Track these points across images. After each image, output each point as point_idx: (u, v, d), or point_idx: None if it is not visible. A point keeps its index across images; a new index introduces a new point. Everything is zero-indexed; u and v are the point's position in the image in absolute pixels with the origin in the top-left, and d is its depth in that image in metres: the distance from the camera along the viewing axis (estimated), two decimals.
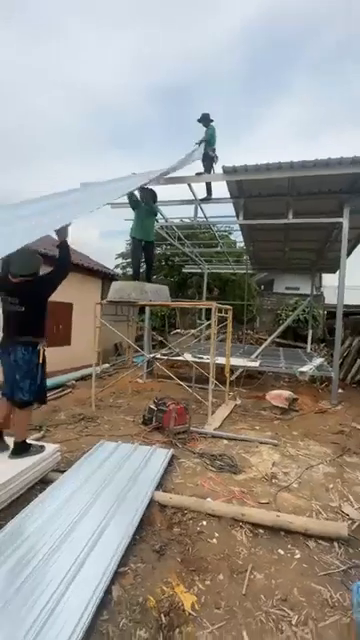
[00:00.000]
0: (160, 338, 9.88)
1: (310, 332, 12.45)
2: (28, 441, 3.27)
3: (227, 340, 6.48)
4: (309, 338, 12.35)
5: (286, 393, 6.05)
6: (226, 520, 2.64)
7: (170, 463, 3.59)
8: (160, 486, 3.11)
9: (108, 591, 1.90)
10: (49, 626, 1.59)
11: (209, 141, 7.19)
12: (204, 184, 7.51)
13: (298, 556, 2.33)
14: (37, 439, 3.98)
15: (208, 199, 7.72)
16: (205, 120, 7.18)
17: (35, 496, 2.78)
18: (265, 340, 11.21)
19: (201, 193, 7.69)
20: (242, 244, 11.52)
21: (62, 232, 3.11)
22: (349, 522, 2.70)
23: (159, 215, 8.03)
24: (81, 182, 6.36)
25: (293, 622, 1.82)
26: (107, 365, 8.98)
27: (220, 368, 6.30)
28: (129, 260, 18.92)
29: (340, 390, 7.08)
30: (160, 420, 4.59)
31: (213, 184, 7.46)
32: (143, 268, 6.65)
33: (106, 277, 10.50)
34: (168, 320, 15.80)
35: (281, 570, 2.19)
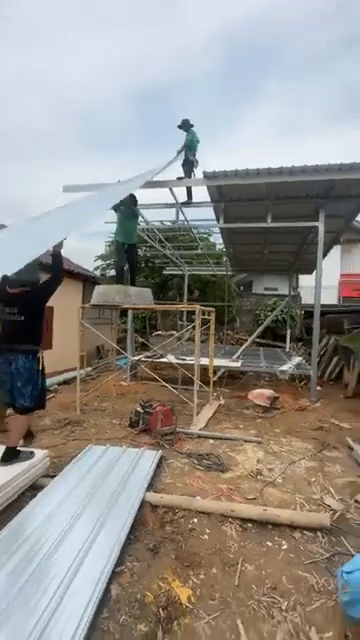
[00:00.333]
0: (141, 340, 9.93)
1: (288, 332, 12.80)
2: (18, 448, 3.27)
3: (210, 341, 6.61)
4: (287, 337, 12.69)
5: (268, 392, 6.24)
6: (216, 516, 2.75)
7: (159, 464, 3.67)
8: (150, 487, 3.18)
9: (107, 590, 1.96)
10: (52, 625, 1.64)
11: (189, 146, 7.32)
12: (185, 188, 7.64)
13: (285, 547, 2.46)
14: (22, 446, 3.96)
15: (189, 203, 7.84)
16: (185, 126, 7.30)
17: (26, 503, 2.80)
18: (245, 340, 11.43)
19: (182, 197, 7.82)
20: (222, 246, 11.73)
21: (58, 244, 3.22)
22: (331, 513, 2.86)
23: (140, 218, 8.08)
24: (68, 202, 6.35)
25: (283, 608, 1.94)
26: (90, 368, 8.93)
27: (203, 369, 6.42)
28: (109, 262, 18.85)
29: (318, 387, 7.36)
30: (147, 422, 4.65)
31: (194, 188, 7.59)
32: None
33: (87, 280, 10.44)
34: (149, 322, 15.81)
35: (270, 561, 2.32)
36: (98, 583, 1.91)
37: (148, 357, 7.84)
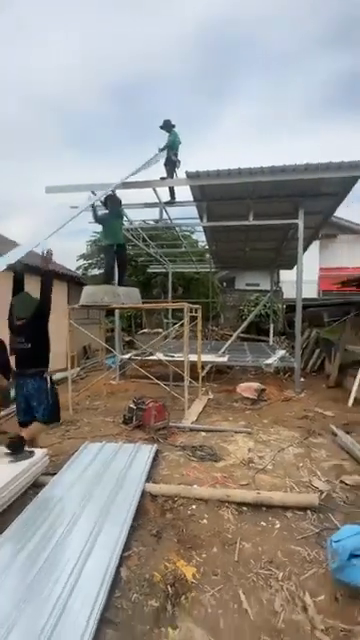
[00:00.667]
0: (128, 338, 10.02)
1: (271, 326, 13.14)
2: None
3: (198, 338, 6.78)
4: (271, 332, 13.02)
5: (255, 385, 6.47)
6: (213, 502, 2.92)
7: (155, 457, 3.81)
8: (149, 479, 3.33)
9: (117, 573, 2.10)
10: (72, 600, 1.78)
11: (171, 146, 7.43)
12: (167, 187, 7.75)
13: (278, 525, 2.66)
14: None
15: (172, 202, 7.96)
16: (167, 126, 7.40)
17: (29, 500, 2.90)
18: (230, 336, 11.68)
19: (165, 196, 7.93)
20: (204, 243, 11.91)
21: (46, 260, 3.56)
22: (319, 493, 3.08)
23: (124, 218, 8.15)
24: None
25: (279, 578, 2.13)
26: (78, 369, 8.97)
27: (192, 365, 6.60)
28: (91, 261, 18.76)
29: (302, 379, 7.65)
30: (140, 418, 4.79)
31: (177, 188, 7.72)
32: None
33: (72, 280, 10.44)
34: (134, 320, 15.88)
35: (265, 538, 2.51)
36: (109, 565, 2.05)
37: (137, 355, 7.95)
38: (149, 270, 15.00)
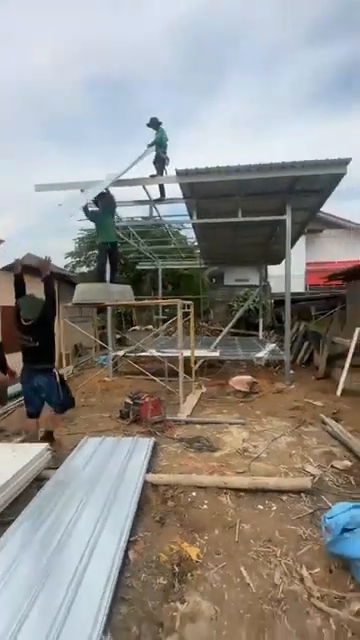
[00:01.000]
0: (118, 336, 10.09)
1: (261, 320, 13.37)
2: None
3: (191, 333, 6.91)
4: (260, 326, 13.25)
5: (247, 378, 6.65)
6: (212, 489, 3.06)
7: (153, 449, 3.93)
8: (149, 470, 3.45)
9: (125, 557, 2.23)
10: (86, 578, 1.92)
11: (159, 143, 7.50)
12: (157, 185, 7.83)
13: (274, 508, 2.82)
14: (21, 441, 4.11)
15: (162, 200, 8.04)
16: (154, 124, 7.47)
17: (35, 492, 2.98)
18: (220, 331, 11.86)
19: (154, 193, 8.00)
20: (193, 239, 12.02)
21: (44, 266, 3.82)
22: (311, 477, 3.25)
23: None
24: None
25: (278, 555, 2.29)
26: (71, 366, 9.01)
27: (185, 360, 6.72)
28: (79, 259, 18.68)
29: (292, 371, 7.86)
30: (137, 413, 4.89)
31: (167, 185, 7.80)
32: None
33: (62, 279, 10.43)
34: (125, 317, 15.93)
35: (263, 520, 2.66)
36: (118, 546, 2.19)
37: (131, 352, 8.04)
38: (138, 267, 15.04)
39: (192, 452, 3.95)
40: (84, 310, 10.46)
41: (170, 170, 7.40)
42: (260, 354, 8.03)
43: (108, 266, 6.44)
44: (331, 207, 15.32)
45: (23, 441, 4.18)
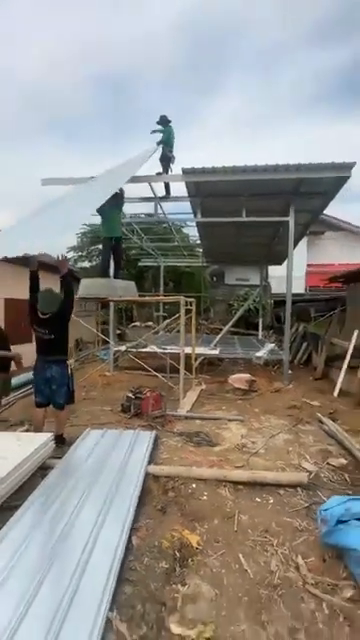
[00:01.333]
0: (119, 331, 10.18)
1: (260, 320, 13.46)
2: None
3: (192, 331, 7.00)
4: (260, 326, 13.35)
5: (246, 376, 6.75)
6: (211, 482, 3.16)
7: (154, 442, 4.03)
8: (150, 462, 3.54)
9: (129, 542, 2.32)
10: (93, 559, 2.02)
11: (166, 142, 7.56)
12: (162, 183, 7.89)
13: (272, 501, 2.92)
14: (24, 430, 4.21)
15: (167, 197, 8.11)
16: (163, 122, 7.52)
17: (39, 480, 3.08)
18: (220, 330, 11.95)
19: (160, 191, 8.07)
20: (195, 237, 12.09)
21: (62, 264, 3.95)
22: (307, 473, 3.36)
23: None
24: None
25: (274, 544, 2.39)
26: (73, 360, 9.08)
27: (185, 357, 6.81)
28: (81, 254, 18.70)
29: (290, 371, 7.96)
30: (138, 407, 4.99)
31: (172, 183, 7.86)
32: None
33: (72, 275, 10.48)
34: (125, 313, 16.00)
35: (260, 512, 2.76)
36: (123, 530, 2.29)
37: (132, 347, 8.13)
38: (140, 264, 15.09)
39: (192, 446, 4.05)
40: (88, 304, 10.54)
41: (175, 169, 7.48)
42: (259, 353, 8.13)
43: (112, 262, 6.51)
44: (333, 209, 15.40)
45: (26, 431, 4.28)
